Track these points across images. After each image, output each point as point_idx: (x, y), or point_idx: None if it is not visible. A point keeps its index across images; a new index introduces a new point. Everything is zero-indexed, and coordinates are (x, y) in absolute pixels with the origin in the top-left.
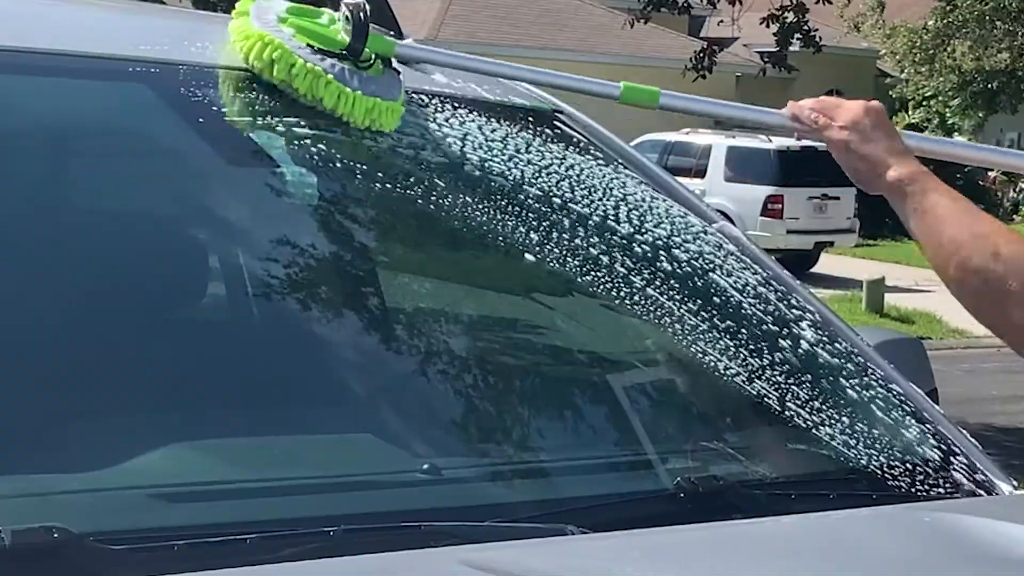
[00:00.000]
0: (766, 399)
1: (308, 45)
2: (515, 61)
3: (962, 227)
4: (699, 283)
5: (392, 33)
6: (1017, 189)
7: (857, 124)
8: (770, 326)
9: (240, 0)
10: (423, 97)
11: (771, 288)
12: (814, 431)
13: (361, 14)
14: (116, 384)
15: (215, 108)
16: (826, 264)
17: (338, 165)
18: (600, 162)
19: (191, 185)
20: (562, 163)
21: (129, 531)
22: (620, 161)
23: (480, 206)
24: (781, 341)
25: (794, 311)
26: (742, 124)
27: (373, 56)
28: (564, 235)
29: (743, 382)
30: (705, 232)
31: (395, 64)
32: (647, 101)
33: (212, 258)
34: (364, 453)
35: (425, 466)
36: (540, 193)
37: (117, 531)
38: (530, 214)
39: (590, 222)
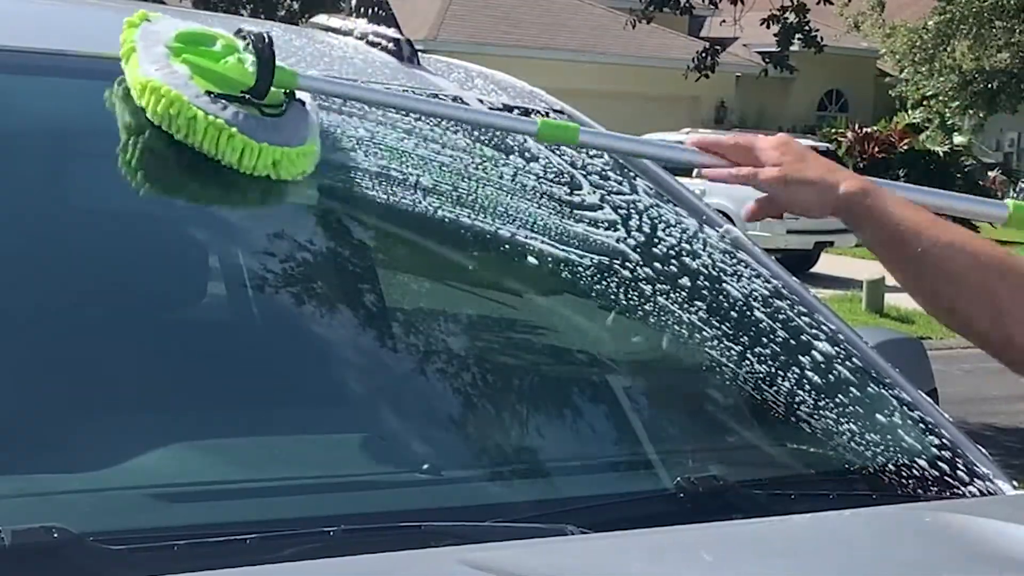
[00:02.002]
0: (766, 399)
1: (207, 92)
2: (515, 61)
3: (942, 235)
4: (699, 284)
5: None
6: (1017, 189)
7: (785, 156)
8: (770, 327)
9: (126, 26)
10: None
11: (771, 289)
12: (814, 431)
13: (266, 47)
14: (116, 384)
15: None
16: (826, 264)
17: (337, 166)
18: (600, 162)
19: (190, 185)
20: (563, 164)
21: (129, 531)
22: (621, 161)
23: (481, 207)
24: (781, 342)
25: (794, 312)
26: (666, 164)
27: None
28: (565, 236)
29: (743, 382)
30: (705, 233)
31: (302, 96)
32: (567, 139)
33: (212, 258)
34: (364, 453)
35: (425, 466)
36: (541, 194)
37: (117, 531)
38: (531, 215)
39: (591, 222)
